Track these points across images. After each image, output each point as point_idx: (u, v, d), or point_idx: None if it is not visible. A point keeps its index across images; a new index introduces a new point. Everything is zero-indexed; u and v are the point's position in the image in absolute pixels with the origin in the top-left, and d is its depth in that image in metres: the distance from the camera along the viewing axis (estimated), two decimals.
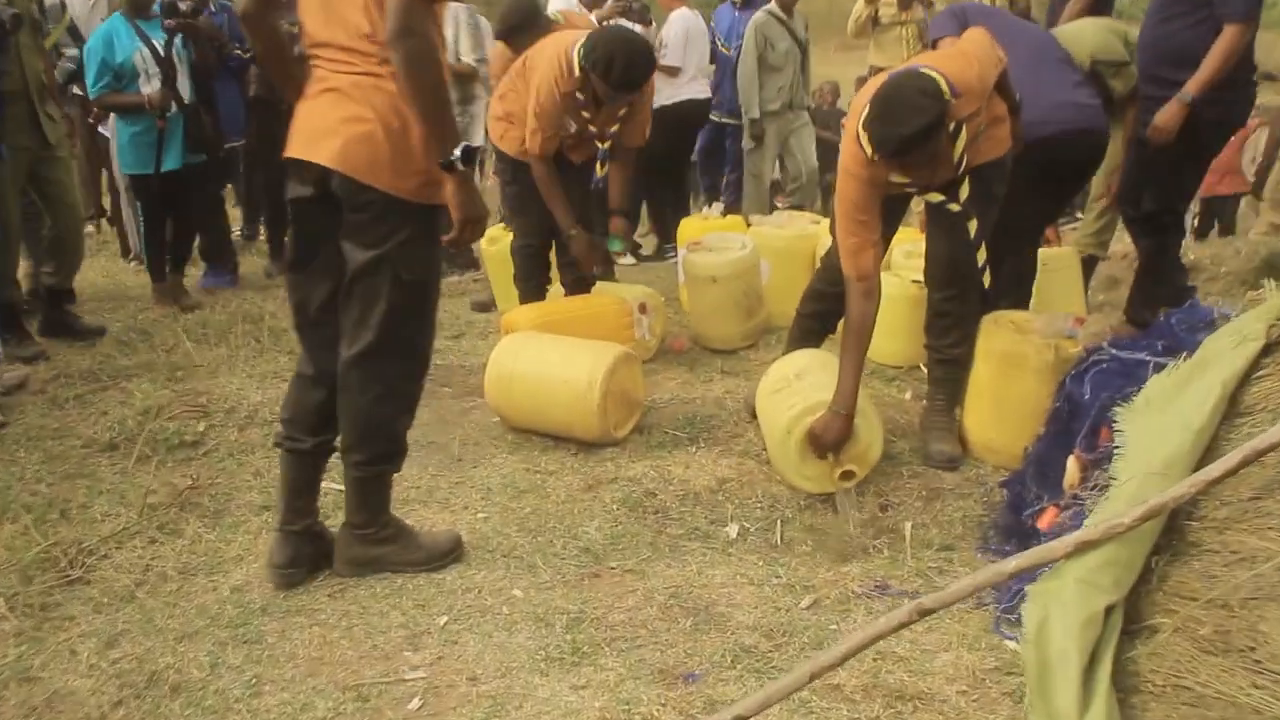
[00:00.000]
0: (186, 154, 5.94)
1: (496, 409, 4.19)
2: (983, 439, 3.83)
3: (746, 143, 7.52)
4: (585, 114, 4.57)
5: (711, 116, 7.88)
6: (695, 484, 3.73)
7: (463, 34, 6.81)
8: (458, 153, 2.69)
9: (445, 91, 2.71)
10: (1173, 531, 2.25)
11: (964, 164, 3.53)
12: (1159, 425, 2.42)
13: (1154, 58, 4.63)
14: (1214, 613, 2.01)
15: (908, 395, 4.51)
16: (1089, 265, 5.74)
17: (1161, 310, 4.89)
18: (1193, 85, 4.41)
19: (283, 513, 3.12)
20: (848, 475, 3.54)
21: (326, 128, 2.74)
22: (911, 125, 3.23)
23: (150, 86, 5.75)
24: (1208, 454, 2.31)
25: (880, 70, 5.60)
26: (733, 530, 3.44)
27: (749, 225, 5.69)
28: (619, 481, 3.77)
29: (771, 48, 7.28)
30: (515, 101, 4.77)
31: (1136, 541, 2.17)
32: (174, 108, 5.83)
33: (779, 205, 7.62)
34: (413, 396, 3.08)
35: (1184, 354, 2.73)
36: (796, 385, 3.68)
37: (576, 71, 4.44)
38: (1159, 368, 3.03)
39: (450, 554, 3.24)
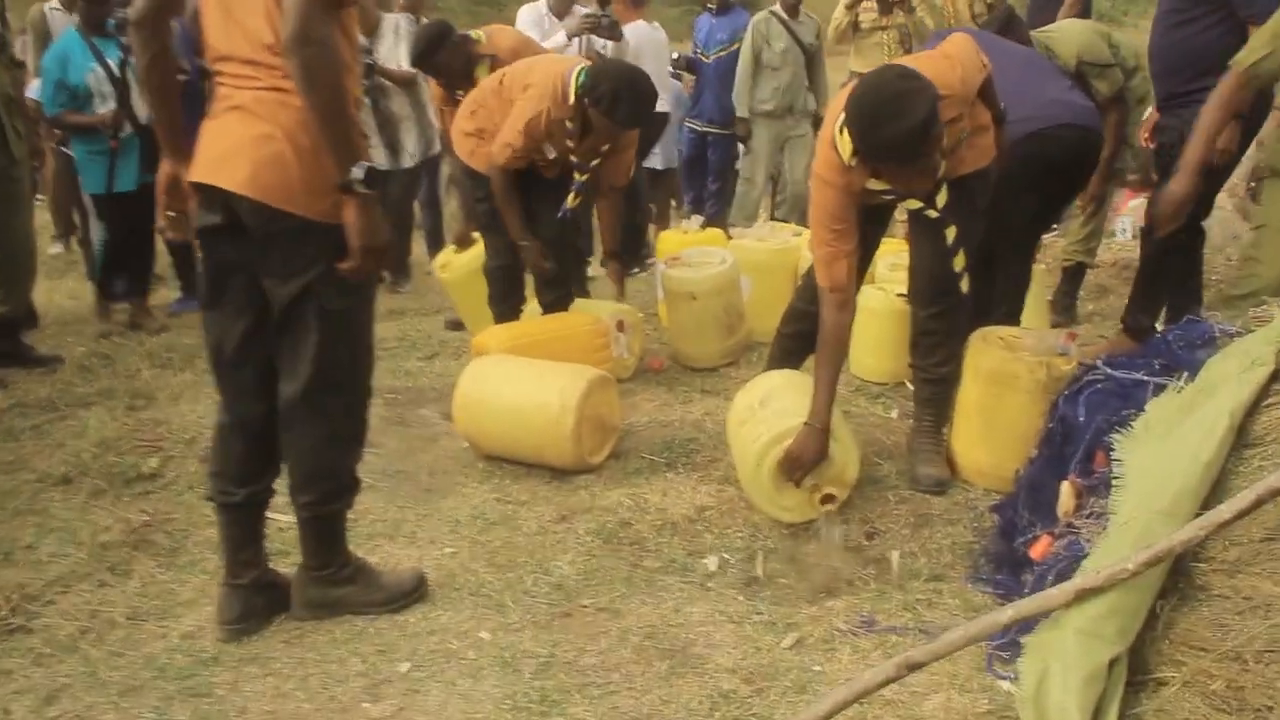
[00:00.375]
0: (144, 174, 5.73)
1: (466, 435, 4.03)
2: (972, 461, 3.67)
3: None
4: (569, 143, 4.45)
5: (694, 125, 7.77)
6: (673, 513, 3.57)
7: (402, 43, 6.64)
8: (358, 172, 2.46)
9: (346, 105, 2.47)
10: (1178, 574, 2.08)
11: (942, 169, 3.36)
12: (1161, 455, 2.26)
13: (1168, 67, 4.40)
14: (1226, 666, 1.85)
15: (894, 414, 4.35)
16: (1078, 273, 5.59)
17: (1158, 320, 4.77)
18: None
19: (227, 567, 2.93)
20: (828, 500, 3.37)
21: (233, 149, 2.53)
22: (912, 116, 3.03)
23: (106, 106, 5.60)
24: (1215, 488, 2.15)
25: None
26: (712, 563, 3.27)
27: (729, 238, 5.53)
28: (593, 511, 3.61)
29: (768, 45, 7.17)
30: (486, 119, 4.62)
31: (1142, 587, 2.00)
32: (128, 128, 5.66)
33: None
34: (359, 429, 2.88)
35: (1184, 375, 2.57)
36: (761, 414, 3.51)
37: (571, 99, 4.30)
38: (1157, 388, 2.87)
39: (413, 593, 3.05)
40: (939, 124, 3.14)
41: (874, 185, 3.36)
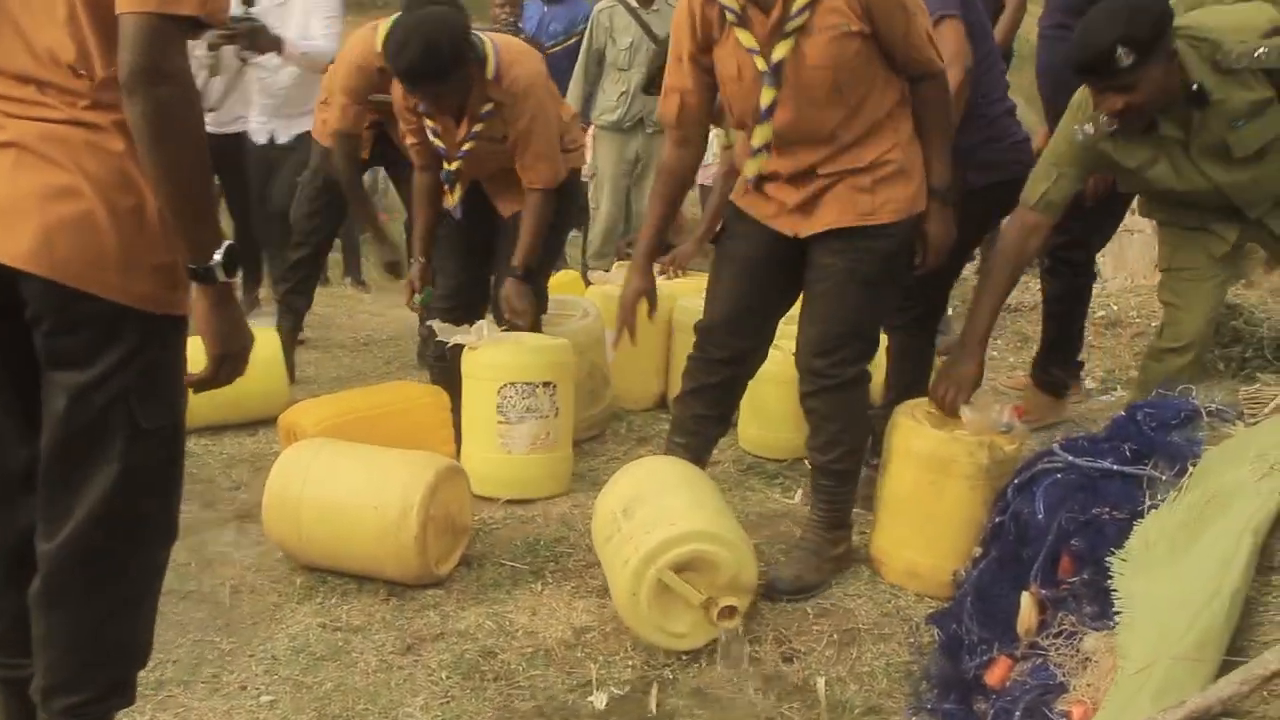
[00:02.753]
0: None
1: (280, 543, 3.77)
2: (902, 562, 3.63)
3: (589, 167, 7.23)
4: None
5: None
6: (546, 637, 3.42)
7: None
8: (219, 256, 2.12)
9: (207, 165, 2.12)
10: None
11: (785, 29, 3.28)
12: (1172, 583, 2.22)
13: (1058, 83, 4.54)
14: None
15: (797, 498, 4.31)
16: None
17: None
18: None
19: None
20: (728, 613, 3.27)
21: (9, 207, 2.11)
22: None
23: None
24: (1242, 623, 2.12)
25: None
26: (600, 700, 3.12)
27: (588, 284, 5.42)
28: (447, 638, 3.42)
29: (612, 41, 6.90)
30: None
31: None
32: None
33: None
34: (158, 590, 2.49)
35: (1182, 475, 2.55)
36: (626, 528, 3.39)
37: (379, 46, 4.34)
38: (1129, 479, 2.86)
39: None
40: None
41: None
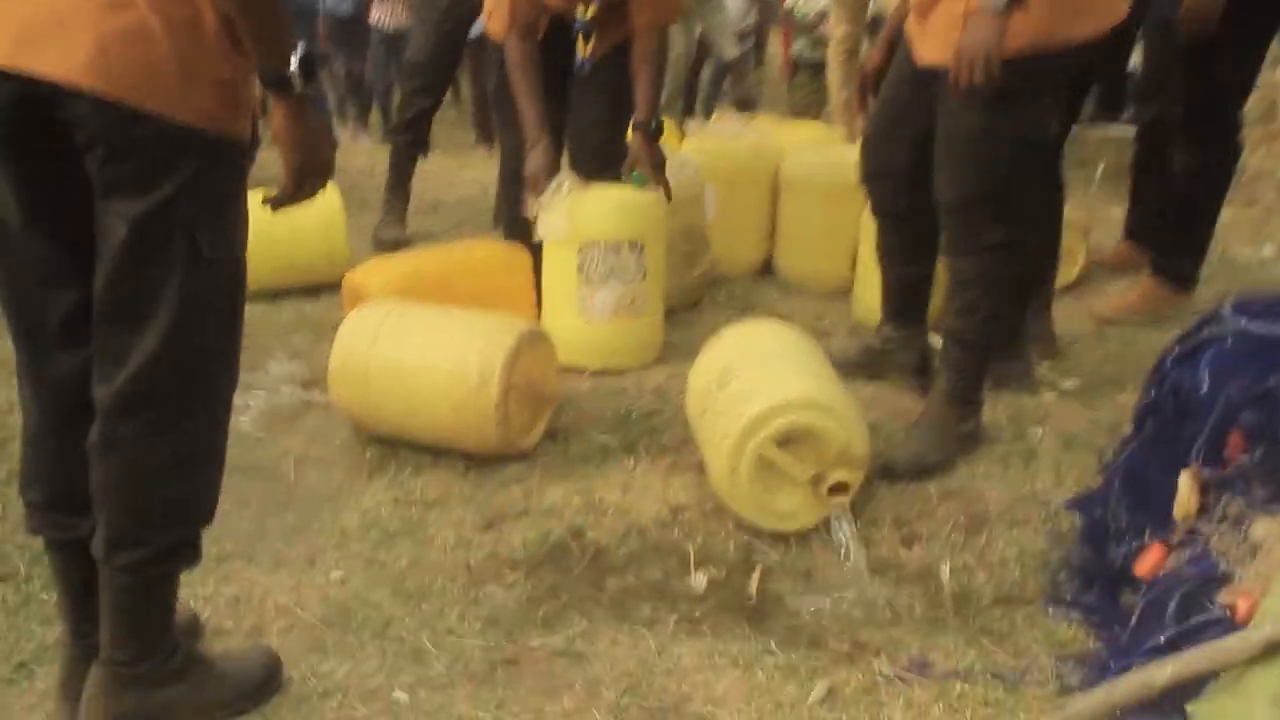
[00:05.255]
0: None
1: (348, 411, 3.76)
2: None
3: None
4: None
5: None
6: (639, 515, 3.39)
7: None
8: (294, 64, 2.15)
9: None
10: None
11: None
12: None
13: None
14: None
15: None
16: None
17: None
18: None
19: (71, 624, 2.53)
20: (839, 489, 3.21)
21: (56, 17, 2.05)
22: None
23: None
24: None
25: None
26: (700, 582, 3.09)
27: (684, 136, 5.33)
28: (531, 515, 3.40)
29: None
30: None
31: None
32: None
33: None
34: (222, 441, 2.46)
35: None
36: (723, 401, 3.35)
37: None
38: None
39: (266, 685, 2.68)
40: None
41: None
